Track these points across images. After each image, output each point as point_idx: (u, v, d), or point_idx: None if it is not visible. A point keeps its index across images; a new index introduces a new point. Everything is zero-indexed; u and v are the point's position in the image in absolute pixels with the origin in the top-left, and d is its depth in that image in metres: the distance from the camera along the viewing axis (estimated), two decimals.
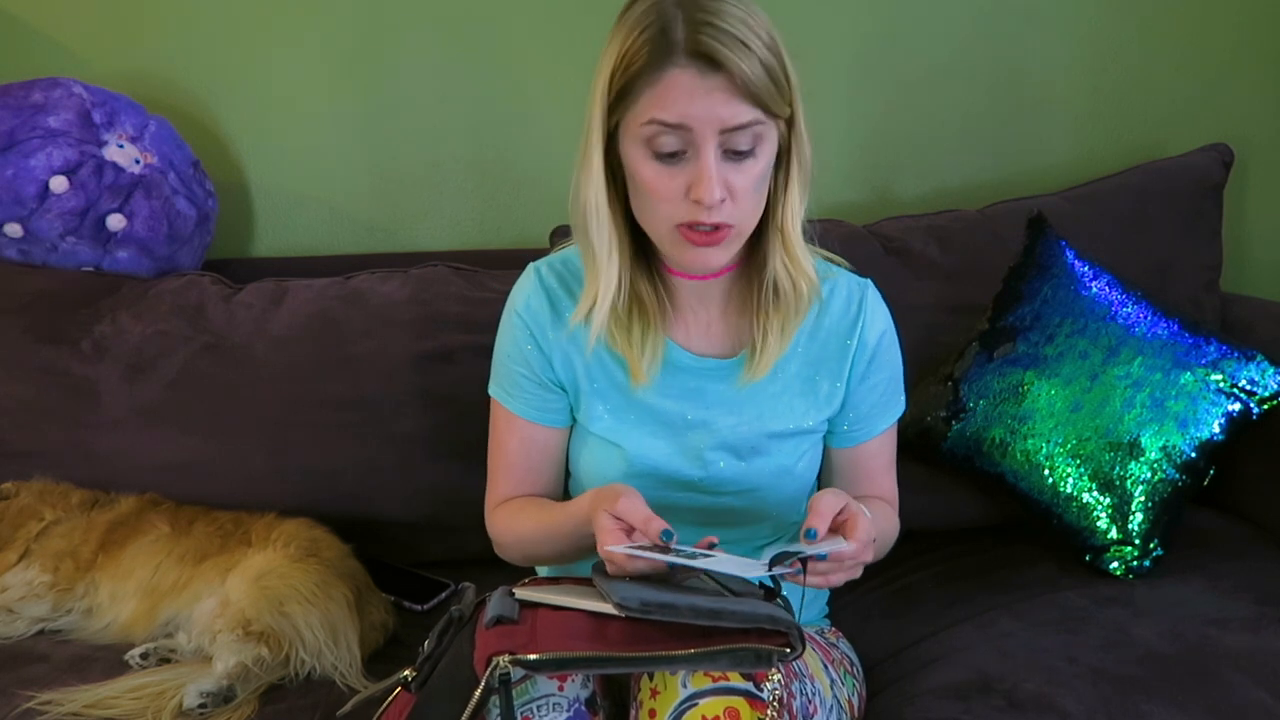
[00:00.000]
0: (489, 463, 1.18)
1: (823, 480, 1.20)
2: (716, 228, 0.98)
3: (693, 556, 0.88)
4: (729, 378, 1.11)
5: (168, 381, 1.48)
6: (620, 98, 0.96)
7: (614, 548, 0.90)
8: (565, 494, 1.21)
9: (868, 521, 0.94)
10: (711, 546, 0.92)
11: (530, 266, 1.14)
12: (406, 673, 0.91)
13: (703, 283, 1.09)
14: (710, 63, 0.92)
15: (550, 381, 1.12)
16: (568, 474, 1.20)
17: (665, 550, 0.89)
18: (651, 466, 1.10)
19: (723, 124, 0.94)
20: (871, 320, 1.12)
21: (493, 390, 1.16)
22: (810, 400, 1.12)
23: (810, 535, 0.91)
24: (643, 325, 1.07)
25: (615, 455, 1.11)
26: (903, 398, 1.19)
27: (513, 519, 1.14)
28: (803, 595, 0.95)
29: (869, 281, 1.15)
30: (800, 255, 1.05)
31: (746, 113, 0.94)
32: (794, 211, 1.03)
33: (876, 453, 1.18)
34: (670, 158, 0.96)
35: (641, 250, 1.07)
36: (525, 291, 1.12)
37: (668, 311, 1.09)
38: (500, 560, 1.20)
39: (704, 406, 1.11)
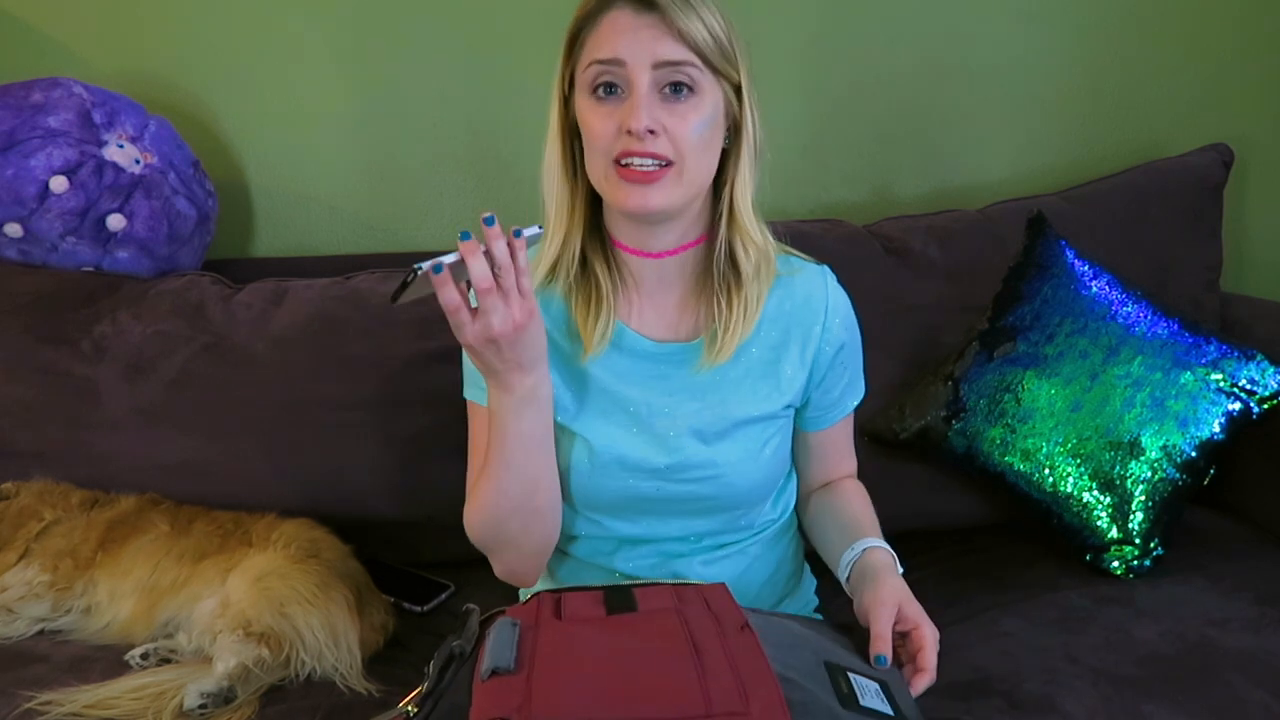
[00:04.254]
0: (468, 472, 1.16)
1: (795, 460, 1.23)
2: (661, 165, 1.00)
3: None
4: (689, 363, 1.11)
5: (168, 381, 1.48)
6: (571, 49, 1.04)
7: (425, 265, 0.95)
8: None
9: (932, 633, 0.98)
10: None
11: None
12: (410, 708, 0.88)
13: (659, 263, 1.10)
14: (646, 3, 0.98)
15: None
16: None
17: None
18: (618, 456, 1.10)
19: (654, 58, 0.98)
20: (835, 306, 1.14)
21: (466, 394, 1.16)
22: (772, 384, 1.12)
23: (880, 661, 0.95)
24: (596, 300, 1.10)
25: (581, 447, 1.11)
26: (863, 382, 1.22)
27: (473, 498, 1.10)
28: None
29: (826, 267, 1.17)
30: (748, 226, 1.08)
31: (679, 50, 0.98)
32: (743, 184, 1.07)
33: (842, 433, 1.23)
34: (609, 96, 1.00)
35: (597, 228, 1.10)
36: None
37: (619, 291, 1.11)
38: None
39: (666, 393, 1.11)
